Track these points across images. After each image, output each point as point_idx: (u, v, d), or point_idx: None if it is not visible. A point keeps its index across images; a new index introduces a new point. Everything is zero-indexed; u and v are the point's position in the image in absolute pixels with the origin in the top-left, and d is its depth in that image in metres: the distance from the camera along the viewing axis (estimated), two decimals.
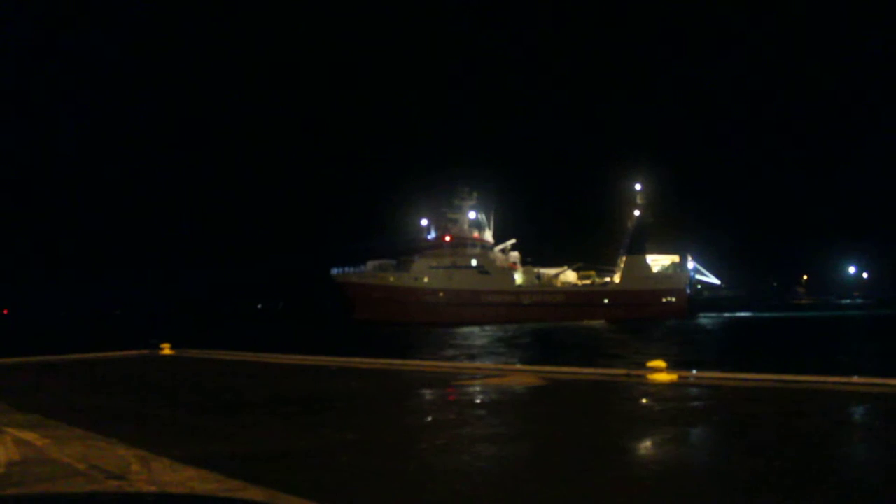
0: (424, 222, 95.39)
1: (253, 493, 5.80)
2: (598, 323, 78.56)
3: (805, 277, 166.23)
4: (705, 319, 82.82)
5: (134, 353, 23.72)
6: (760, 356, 34.92)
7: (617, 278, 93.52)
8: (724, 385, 12.86)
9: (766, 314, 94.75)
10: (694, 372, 17.87)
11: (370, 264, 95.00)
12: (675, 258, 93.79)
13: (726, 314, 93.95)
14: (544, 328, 69.24)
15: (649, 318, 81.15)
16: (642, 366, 13.92)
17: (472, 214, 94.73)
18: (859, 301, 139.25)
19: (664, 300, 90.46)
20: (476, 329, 70.62)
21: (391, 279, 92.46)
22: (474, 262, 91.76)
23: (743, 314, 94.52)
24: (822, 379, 12.36)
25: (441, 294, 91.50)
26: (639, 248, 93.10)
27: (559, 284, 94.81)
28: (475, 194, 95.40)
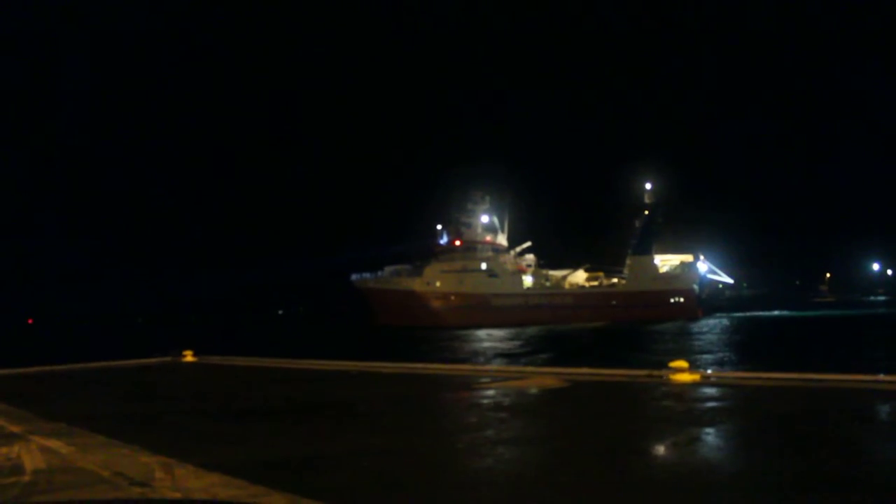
0: (439, 227, 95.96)
1: (276, 498, 5.80)
2: (602, 324, 78.04)
3: (828, 275, 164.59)
4: (718, 319, 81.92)
5: (156, 360, 23.86)
6: (783, 355, 34.64)
7: (625, 279, 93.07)
8: (746, 384, 12.74)
9: (788, 313, 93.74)
10: (716, 371, 17.74)
11: (388, 269, 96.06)
12: (688, 258, 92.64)
13: (746, 314, 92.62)
14: (555, 330, 69.20)
15: (657, 318, 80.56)
16: (664, 366, 13.80)
17: (484, 218, 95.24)
18: (883, 298, 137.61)
19: (672, 300, 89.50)
20: (488, 332, 70.72)
21: (405, 284, 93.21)
22: (484, 266, 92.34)
23: (763, 313, 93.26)
24: (847, 377, 12.20)
25: (452, 298, 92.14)
26: (646, 248, 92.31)
27: (567, 286, 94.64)
28: (488, 198, 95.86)
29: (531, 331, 70.14)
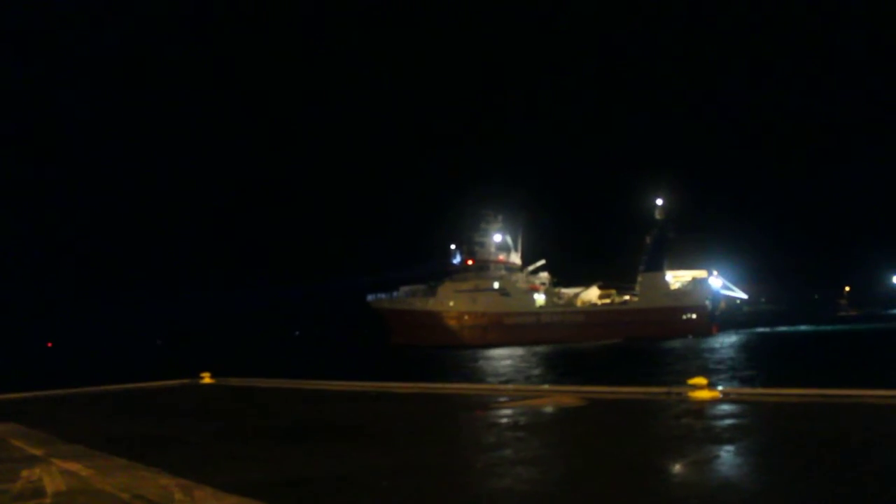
0: (453, 246, 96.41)
1: None
2: (614, 342, 77.57)
3: (847, 289, 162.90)
4: (733, 335, 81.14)
5: (175, 382, 23.95)
6: (802, 370, 34.29)
7: (636, 296, 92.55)
8: (767, 401, 12.61)
9: (806, 328, 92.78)
10: (736, 388, 17.58)
11: (403, 290, 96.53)
12: (701, 273, 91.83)
13: (764, 329, 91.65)
14: (569, 348, 68.96)
15: (669, 335, 79.99)
16: (682, 383, 13.69)
17: (497, 237, 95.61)
18: None
19: (684, 317, 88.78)
20: (502, 350, 70.62)
21: (419, 304, 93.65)
22: (496, 285, 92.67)
23: (781, 329, 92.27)
24: (870, 393, 12.05)
25: (465, 317, 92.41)
26: (657, 264, 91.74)
27: (580, 304, 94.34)
28: (501, 217, 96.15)
29: (545, 349, 69.98)
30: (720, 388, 14.30)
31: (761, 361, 46.76)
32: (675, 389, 13.85)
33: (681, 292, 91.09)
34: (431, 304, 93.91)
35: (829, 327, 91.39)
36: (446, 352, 72.52)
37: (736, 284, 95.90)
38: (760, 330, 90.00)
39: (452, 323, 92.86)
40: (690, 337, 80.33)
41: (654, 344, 68.28)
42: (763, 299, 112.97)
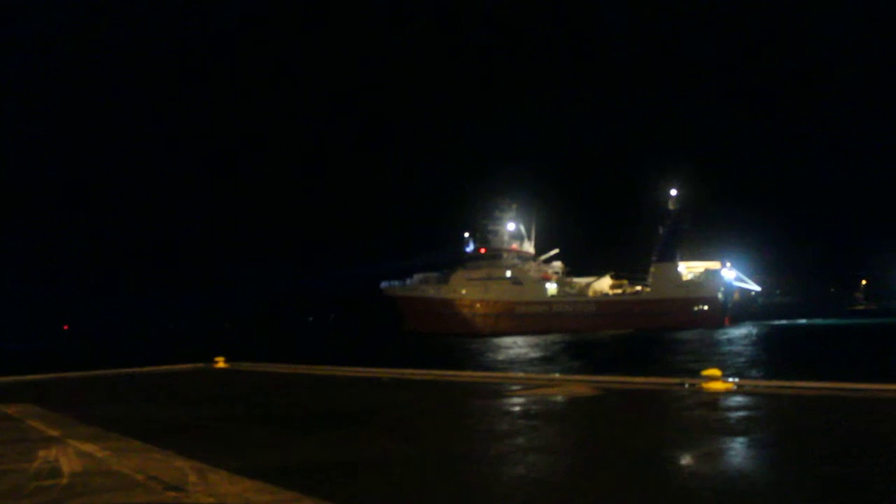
0: (466, 235, 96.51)
1: None
2: (625, 332, 77.40)
3: (864, 282, 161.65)
4: (746, 327, 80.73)
5: (189, 366, 24.10)
6: (817, 364, 34.08)
7: (648, 287, 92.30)
8: (781, 394, 12.57)
9: (821, 321, 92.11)
10: (750, 380, 17.51)
11: (416, 277, 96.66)
12: (715, 265, 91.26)
13: (777, 322, 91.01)
14: (581, 337, 68.94)
15: (680, 326, 79.66)
16: (696, 374, 13.66)
17: (511, 226, 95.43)
18: None
19: (696, 308, 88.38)
20: (514, 339, 70.72)
21: (432, 291, 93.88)
22: (508, 274, 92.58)
23: (794, 322, 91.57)
24: (885, 387, 11.97)
25: (477, 305, 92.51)
26: (670, 255, 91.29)
27: (592, 294, 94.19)
28: (515, 206, 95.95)
29: (556, 338, 70.00)
30: (734, 380, 14.26)
31: (774, 354, 46.52)
32: (689, 381, 13.82)
33: (693, 284, 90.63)
34: (443, 292, 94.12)
35: (838, 321, 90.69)
36: (457, 340, 72.68)
37: (750, 277, 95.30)
38: (775, 323, 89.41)
39: (464, 311, 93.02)
40: (707, 328, 79.97)
41: (664, 335, 68.07)
42: (778, 291, 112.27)
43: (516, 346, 61.12)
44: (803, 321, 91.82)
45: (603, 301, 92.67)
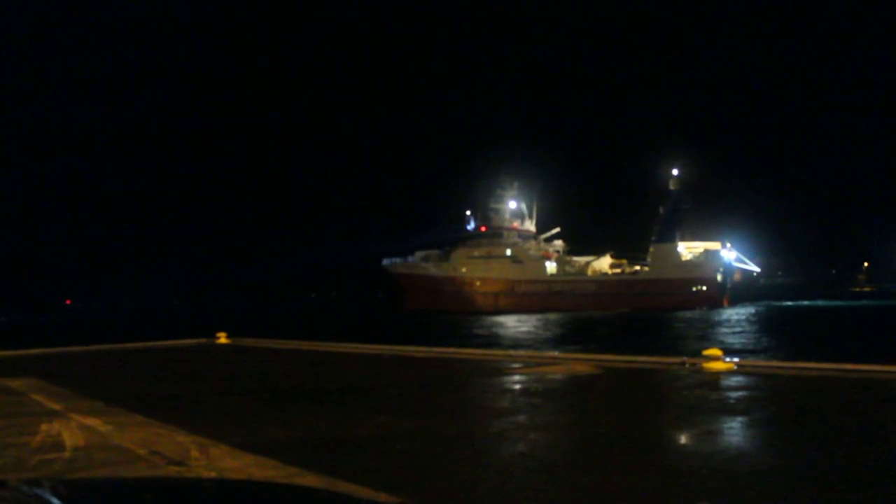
0: (468, 213, 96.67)
1: (310, 479, 5.84)
2: (623, 312, 77.51)
3: (866, 265, 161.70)
4: (744, 308, 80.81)
5: (191, 341, 24.16)
6: (819, 344, 34.16)
7: (647, 267, 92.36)
8: (782, 374, 12.58)
9: (821, 303, 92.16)
10: (751, 360, 17.54)
11: (418, 255, 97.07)
12: (715, 245, 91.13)
13: (775, 303, 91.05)
14: (581, 316, 69.16)
15: (678, 307, 79.81)
16: (697, 354, 13.68)
17: (512, 204, 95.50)
18: None
19: (694, 289, 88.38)
20: (514, 317, 70.96)
21: (432, 269, 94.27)
22: (508, 252, 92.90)
23: (794, 303, 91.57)
24: (886, 368, 11.99)
25: (477, 283, 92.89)
26: (669, 235, 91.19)
27: (591, 273, 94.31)
28: (516, 184, 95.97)
29: (556, 317, 70.23)
30: (734, 359, 14.28)
31: (773, 335, 46.62)
32: (689, 360, 13.84)
33: (691, 264, 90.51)
34: (444, 270, 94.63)
35: (839, 303, 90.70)
36: (458, 317, 72.92)
37: (752, 258, 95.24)
38: (775, 304, 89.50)
39: (464, 289, 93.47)
40: (705, 308, 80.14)
41: (661, 314, 68.20)
42: (780, 273, 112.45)
43: (516, 324, 61.29)
44: (805, 302, 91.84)
45: (601, 280, 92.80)
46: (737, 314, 69.61)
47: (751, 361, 16.03)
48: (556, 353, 21.52)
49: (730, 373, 12.36)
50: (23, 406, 10.62)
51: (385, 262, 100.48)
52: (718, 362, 12.77)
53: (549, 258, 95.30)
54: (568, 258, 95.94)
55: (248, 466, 6.39)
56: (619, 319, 66.43)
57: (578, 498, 5.47)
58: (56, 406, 10.32)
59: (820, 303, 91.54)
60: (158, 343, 24.21)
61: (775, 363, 14.75)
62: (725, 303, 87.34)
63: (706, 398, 10.03)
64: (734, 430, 7.81)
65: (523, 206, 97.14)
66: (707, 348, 13.70)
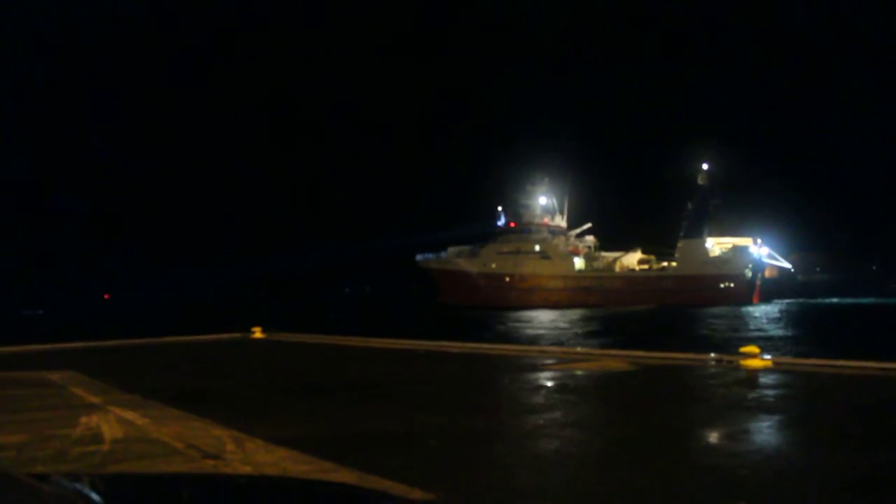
0: (499, 208, 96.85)
1: (344, 474, 5.86)
2: (650, 308, 76.79)
3: None
4: (775, 305, 79.41)
5: (227, 336, 24.41)
6: (858, 343, 33.52)
7: (675, 263, 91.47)
8: (822, 372, 12.37)
9: (857, 300, 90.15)
10: (789, 358, 17.26)
11: (450, 250, 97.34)
12: (746, 241, 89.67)
13: (810, 300, 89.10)
14: (609, 312, 68.72)
15: (706, 303, 78.71)
16: (734, 351, 13.50)
17: (543, 200, 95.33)
18: None
19: (722, 285, 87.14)
20: (543, 313, 70.79)
21: (463, 265, 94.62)
22: (537, 248, 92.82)
23: (830, 300, 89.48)
24: None
25: (507, 279, 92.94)
26: (698, 231, 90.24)
27: (618, 269, 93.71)
28: (547, 180, 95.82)
29: (586, 313, 69.90)
30: (771, 356, 14.07)
31: (807, 332, 45.86)
32: (726, 357, 13.68)
33: (720, 260, 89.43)
34: (474, 265, 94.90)
35: (880, 300, 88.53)
36: (489, 313, 72.94)
37: (787, 254, 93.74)
38: (811, 301, 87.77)
39: (493, 284, 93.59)
40: (732, 304, 79.04)
41: (689, 311, 67.45)
42: (818, 269, 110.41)
43: (546, 319, 61.06)
44: (835, 300, 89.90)
45: (629, 276, 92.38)
46: (766, 311, 68.55)
47: (789, 359, 15.78)
48: (590, 350, 21.39)
49: (767, 370, 12.18)
50: (63, 399, 10.79)
51: (419, 257, 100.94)
52: (756, 359, 12.59)
53: (577, 254, 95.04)
54: (596, 254, 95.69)
55: (283, 461, 6.42)
56: (647, 315, 65.91)
57: (613, 495, 5.42)
58: (95, 399, 10.47)
59: (866, 300, 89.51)
60: (194, 338, 24.50)
61: (814, 361, 14.49)
62: (755, 299, 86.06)
63: (743, 396, 9.89)
64: (772, 429, 7.68)
65: (554, 202, 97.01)
66: (742, 345, 13.51)
